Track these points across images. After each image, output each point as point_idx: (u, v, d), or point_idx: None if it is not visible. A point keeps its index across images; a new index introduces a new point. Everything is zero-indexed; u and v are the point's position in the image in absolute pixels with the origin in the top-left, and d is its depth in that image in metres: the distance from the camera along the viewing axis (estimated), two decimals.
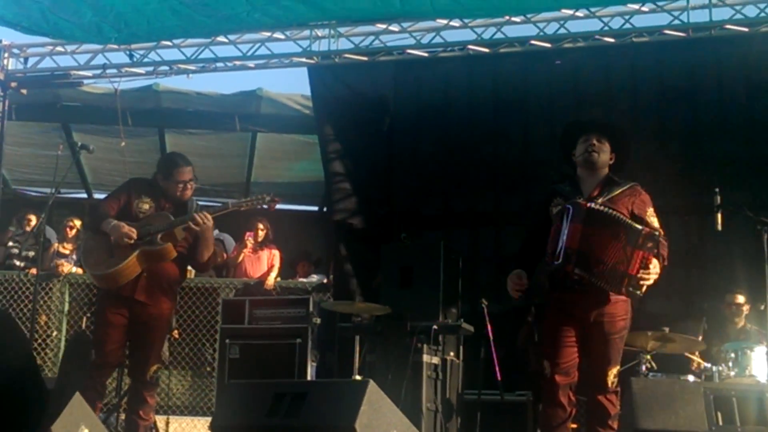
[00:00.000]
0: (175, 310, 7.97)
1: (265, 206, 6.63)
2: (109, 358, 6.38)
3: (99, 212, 6.46)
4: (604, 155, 5.68)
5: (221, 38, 9.05)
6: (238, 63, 9.34)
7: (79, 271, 10.39)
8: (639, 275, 5.29)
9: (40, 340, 10.08)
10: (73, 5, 7.40)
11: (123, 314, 6.35)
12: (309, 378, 8.19)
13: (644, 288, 5.35)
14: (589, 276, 5.32)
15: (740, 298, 8.06)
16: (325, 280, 10.79)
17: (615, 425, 5.44)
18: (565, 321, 5.52)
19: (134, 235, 6.26)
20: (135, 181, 6.72)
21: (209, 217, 6.34)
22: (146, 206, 6.46)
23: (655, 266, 5.32)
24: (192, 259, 6.62)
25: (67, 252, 10.90)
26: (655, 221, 5.59)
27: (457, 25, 8.70)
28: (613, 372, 5.47)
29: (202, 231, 6.39)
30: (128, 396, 6.68)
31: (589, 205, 5.42)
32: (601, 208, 5.42)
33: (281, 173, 13.18)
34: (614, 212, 5.41)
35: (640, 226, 5.38)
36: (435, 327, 7.38)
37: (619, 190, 5.61)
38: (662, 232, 5.56)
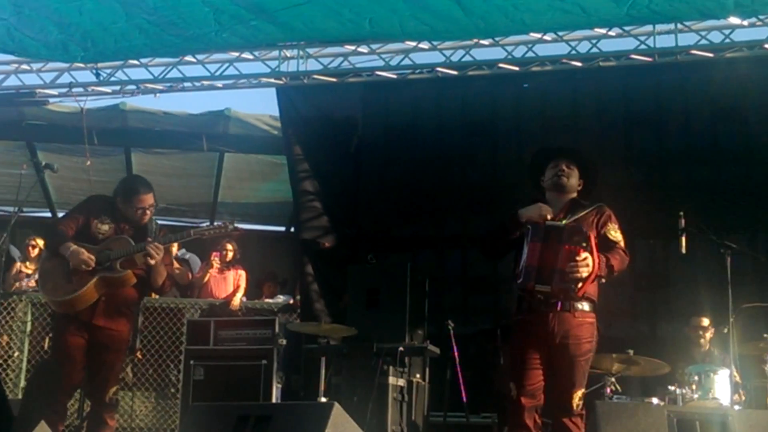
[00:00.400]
0: (136, 330, 7.92)
1: (225, 232, 6.59)
2: (70, 380, 6.25)
3: (57, 234, 6.34)
4: (573, 180, 5.75)
5: (189, 58, 9.04)
6: (206, 83, 9.34)
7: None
8: (567, 269, 5.30)
9: (0, 361, 9.95)
10: (38, 23, 7.32)
11: (82, 336, 6.23)
12: (274, 400, 8.13)
13: (578, 283, 5.32)
14: (550, 288, 5.36)
15: (705, 321, 8.10)
16: (291, 301, 10.74)
17: None
18: (531, 343, 5.52)
19: (92, 263, 6.14)
20: (94, 200, 6.59)
21: (161, 248, 6.25)
22: (105, 227, 6.34)
23: (584, 259, 5.30)
24: (149, 282, 6.53)
25: (30, 272, 10.78)
26: (618, 235, 5.64)
27: (425, 47, 8.74)
28: (578, 395, 5.45)
29: (154, 260, 6.27)
30: (88, 419, 6.58)
31: (546, 223, 5.50)
32: (559, 223, 5.49)
33: (248, 194, 13.14)
34: (571, 225, 5.48)
35: (563, 223, 5.48)
36: (401, 349, 7.35)
37: (585, 212, 5.67)
38: (624, 245, 5.63)
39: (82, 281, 6.17)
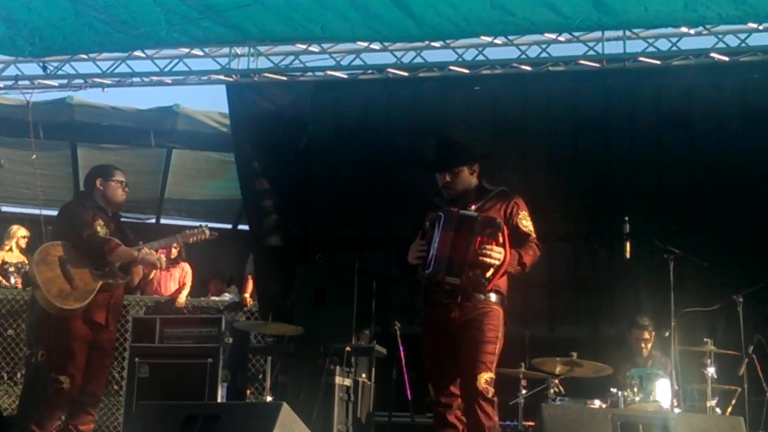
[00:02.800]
0: None
1: (205, 237, 6.77)
2: (77, 384, 6.22)
3: (95, 242, 6.26)
4: (462, 181, 5.62)
5: (138, 53, 8.95)
6: (155, 78, 9.24)
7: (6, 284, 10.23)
8: (477, 262, 5.21)
9: None
10: None
11: (87, 339, 6.26)
12: (220, 398, 8.11)
13: (486, 274, 5.23)
14: (459, 281, 5.26)
15: (646, 334, 8.20)
16: (237, 299, 10.72)
17: None
18: (439, 336, 5.47)
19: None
20: (80, 204, 6.52)
21: (158, 255, 6.49)
22: (103, 231, 6.37)
23: (494, 250, 5.20)
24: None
25: None
26: (529, 225, 5.57)
27: (377, 48, 8.75)
28: (483, 377, 5.26)
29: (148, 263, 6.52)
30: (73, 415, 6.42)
31: (460, 211, 5.37)
32: (473, 213, 5.38)
33: (195, 191, 13.07)
34: (484, 216, 5.37)
35: (475, 213, 5.37)
36: (348, 349, 7.37)
37: (491, 196, 5.60)
38: (535, 236, 5.55)
39: (88, 287, 6.21)
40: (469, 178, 5.66)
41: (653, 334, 8.16)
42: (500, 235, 5.25)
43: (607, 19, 7.00)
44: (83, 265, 6.25)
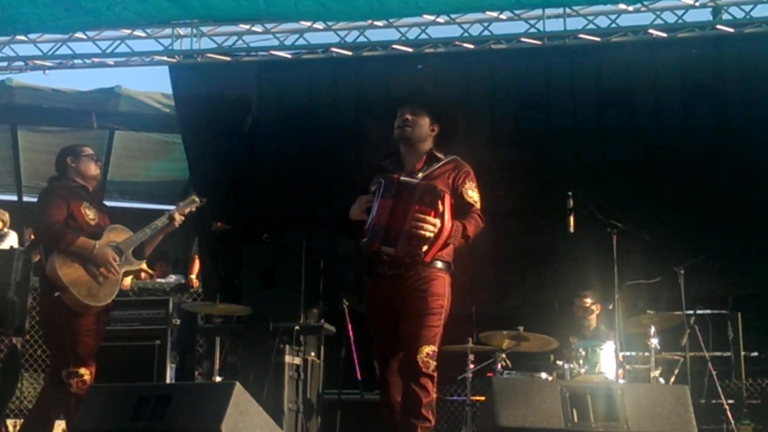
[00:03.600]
0: (24, 311, 7.81)
1: (197, 205, 6.72)
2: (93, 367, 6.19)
3: (56, 233, 6.07)
4: (420, 129, 5.37)
5: (80, 35, 8.85)
6: (96, 60, 9.15)
7: None
8: (412, 231, 4.98)
9: None
10: None
11: (96, 328, 6.24)
12: (168, 380, 8.10)
13: (421, 246, 4.99)
14: (394, 251, 5.02)
15: (588, 301, 8.36)
16: (183, 281, 10.68)
17: (429, 414, 5.04)
18: (384, 311, 5.24)
19: (117, 267, 6.17)
20: (62, 185, 6.35)
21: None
22: (92, 213, 6.27)
23: (428, 221, 4.97)
24: None
25: None
26: (475, 195, 5.33)
27: (320, 27, 8.76)
28: (425, 351, 5.02)
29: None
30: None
31: (400, 178, 5.16)
32: (412, 180, 5.16)
33: (139, 172, 12.98)
34: (424, 183, 5.16)
35: (416, 180, 5.15)
36: (297, 328, 7.41)
37: (440, 164, 5.35)
38: (479, 207, 5.33)
39: (113, 280, 6.17)
40: (427, 132, 5.41)
41: (599, 306, 8.31)
42: (440, 204, 5.02)
43: None
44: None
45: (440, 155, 5.41)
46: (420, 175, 5.25)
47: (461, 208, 5.23)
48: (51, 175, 6.48)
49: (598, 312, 8.35)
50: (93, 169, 6.48)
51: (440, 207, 5.03)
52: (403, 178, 5.17)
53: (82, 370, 6.10)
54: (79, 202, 6.25)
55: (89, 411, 5.07)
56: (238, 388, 4.64)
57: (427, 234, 4.98)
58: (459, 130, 5.58)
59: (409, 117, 5.36)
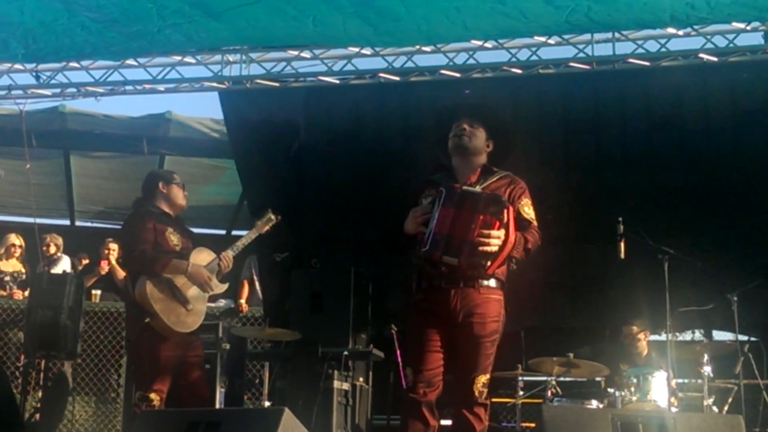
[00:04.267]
0: (76, 334, 7.90)
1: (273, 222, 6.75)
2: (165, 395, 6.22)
3: (149, 255, 6.17)
4: (477, 141, 5.30)
5: (131, 61, 8.96)
6: (147, 86, 9.25)
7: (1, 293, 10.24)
8: (477, 241, 4.85)
9: None
10: None
11: (179, 355, 6.27)
12: (218, 405, 8.12)
13: (486, 257, 4.88)
14: (457, 261, 4.88)
15: (634, 329, 8.26)
16: (232, 305, 10.72)
17: None
18: (431, 323, 5.09)
19: (211, 284, 6.25)
20: (148, 207, 6.46)
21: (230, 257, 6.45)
22: (176, 238, 6.35)
23: (493, 234, 4.85)
24: None
25: None
26: (532, 213, 5.27)
27: (368, 53, 8.78)
28: (481, 380, 5.00)
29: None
30: None
31: (463, 187, 5.04)
32: (477, 189, 5.06)
33: (189, 197, 13.00)
34: (488, 193, 5.06)
35: (479, 190, 5.06)
36: (346, 353, 7.41)
37: (496, 178, 5.27)
38: (536, 223, 5.25)
39: (200, 305, 6.25)
40: (483, 145, 5.34)
41: (647, 333, 8.22)
42: (505, 214, 4.91)
43: (597, 8, 7.02)
44: (189, 284, 6.24)
45: (495, 169, 5.34)
46: (477, 187, 5.14)
47: (519, 225, 5.13)
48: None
49: (646, 339, 8.25)
50: (181, 198, 6.58)
51: (505, 217, 4.93)
52: (465, 187, 5.06)
53: (153, 396, 6.15)
54: (164, 228, 6.32)
55: None
56: (287, 413, 4.63)
57: (492, 246, 4.87)
58: (511, 150, 5.51)
59: (466, 127, 5.29)
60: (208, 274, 6.27)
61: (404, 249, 5.27)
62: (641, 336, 8.24)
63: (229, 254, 6.44)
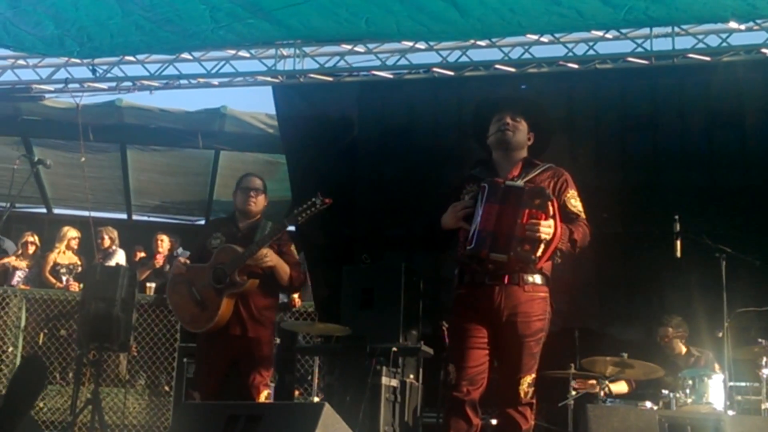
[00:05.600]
0: (129, 326, 7.98)
1: (318, 208, 6.38)
2: (208, 389, 6.31)
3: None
4: (520, 134, 5.17)
5: (185, 55, 9.02)
6: (202, 80, 9.31)
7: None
8: (526, 235, 4.72)
9: None
10: (35, 17, 7.31)
11: (225, 354, 6.32)
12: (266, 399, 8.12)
13: (536, 250, 4.75)
14: (506, 257, 4.75)
15: (670, 330, 8.08)
16: (285, 299, 10.72)
17: None
18: (474, 320, 4.97)
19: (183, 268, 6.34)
20: (211, 222, 6.98)
21: (267, 253, 6.28)
22: (216, 241, 6.46)
23: (543, 224, 4.72)
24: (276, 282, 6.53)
25: (23, 267, 10.85)
26: (579, 204, 5.13)
27: (422, 47, 8.73)
28: (526, 381, 4.92)
29: (267, 264, 6.33)
30: None
31: (506, 182, 4.91)
32: (520, 183, 4.92)
33: None
34: (532, 186, 4.93)
35: (522, 184, 4.91)
36: (395, 349, 7.35)
37: (538, 171, 5.13)
38: (584, 216, 5.12)
39: (214, 305, 6.26)
40: (525, 139, 5.21)
41: (681, 332, 8.03)
42: (550, 206, 4.79)
43: (655, 7, 6.88)
44: (206, 283, 6.31)
45: (537, 162, 5.22)
46: (520, 181, 4.99)
47: (565, 218, 5.00)
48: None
49: (682, 338, 8.06)
50: (241, 203, 6.64)
51: (550, 210, 4.80)
52: (508, 182, 4.93)
53: (195, 394, 6.29)
54: (210, 234, 6.57)
55: (181, 428, 5.09)
56: (327, 408, 4.57)
57: (543, 236, 4.73)
58: (549, 143, 5.35)
59: (509, 121, 5.16)
60: (180, 263, 6.44)
61: (444, 245, 5.21)
62: (675, 335, 8.07)
63: (252, 249, 6.28)
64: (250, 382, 6.35)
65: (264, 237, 6.34)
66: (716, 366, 7.54)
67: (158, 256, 11.06)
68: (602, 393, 7.22)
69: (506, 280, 4.94)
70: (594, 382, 7.47)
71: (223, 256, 6.34)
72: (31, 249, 11.08)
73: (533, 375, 4.97)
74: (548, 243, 4.79)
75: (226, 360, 6.33)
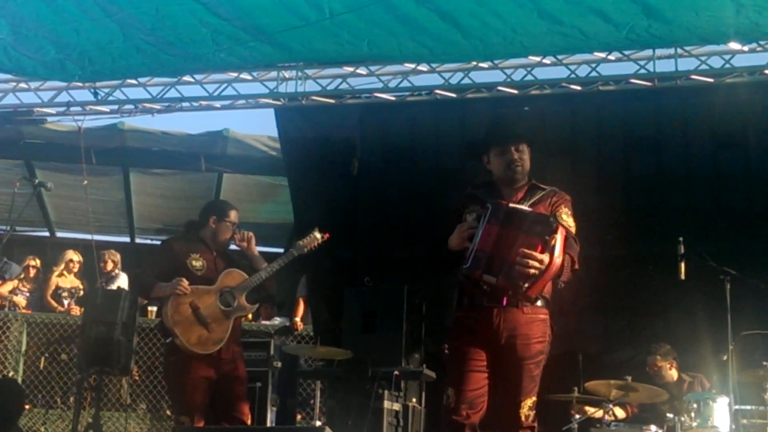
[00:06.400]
0: (130, 350, 7.94)
1: (319, 243, 6.82)
2: (199, 421, 6.26)
3: (143, 283, 6.56)
4: (527, 163, 5.20)
5: (187, 78, 9.01)
6: (204, 103, 9.30)
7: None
8: (517, 262, 4.67)
9: None
10: (36, 42, 7.30)
11: (206, 376, 6.29)
12: (269, 423, 8.07)
13: (527, 280, 4.69)
14: (495, 281, 4.73)
15: (657, 359, 8.01)
16: (287, 323, 10.69)
17: None
18: (473, 343, 4.95)
19: (187, 289, 6.24)
20: (173, 241, 6.78)
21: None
22: (200, 263, 6.45)
23: (539, 257, 4.67)
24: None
25: (25, 290, 10.83)
26: (570, 221, 5.08)
27: (424, 69, 8.72)
28: (527, 404, 4.86)
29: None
30: None
31: (510, 204, 4.92)
32: (525, 208, 4.93)
33: (246, 215, 12.99)
34: (536, 212, 4.94)
35: (528, 209, 4.92)
36: (397, 373, 7.30)
37: (542, 194, 5.14)
38: (575, 233, 5.08)
39: (222, 327, 6.28)
40: (529, 164, 5.23)
41: (672, 362, 7.97)
42: (553, 237, 4.72)
43: (657, 26, 6.86)
44: (213, 306, 6.31)
45: (542, 186, 5.23)
46: (525, 205, 5.01)
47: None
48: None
49: (673, 368, 7.99)
50: (226, 236, 6.66)
51: (551, 240, 4.73)
52: (512, 204, 4.93)
53: (183, 419, 6.21)
54: (190, 253, 6.47)
55: None
56: None
57: (531, 270, 4.68)
58: (552, 161, 5.44)
59: (516, 156, 5.15)
60: (183, 284, 6.25)
61: (451, 265, 5.12)
62: (666, 365, 8.00)
63: (261, 275, 6.46)
64: (237, 399, 6.42)
65: (274, 264, 6.54)
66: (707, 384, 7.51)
67: None
68: (606, 417, 7.16)
69: (505, 302, 4.91)
70: (595, 409, 7.40)
71: (230, 280, 6.41)
72: (33, 272, 11.06)
73: (534, 398, 4.93)
74: (540, 275, 4.73)
75: (210, 380, 6.30)
